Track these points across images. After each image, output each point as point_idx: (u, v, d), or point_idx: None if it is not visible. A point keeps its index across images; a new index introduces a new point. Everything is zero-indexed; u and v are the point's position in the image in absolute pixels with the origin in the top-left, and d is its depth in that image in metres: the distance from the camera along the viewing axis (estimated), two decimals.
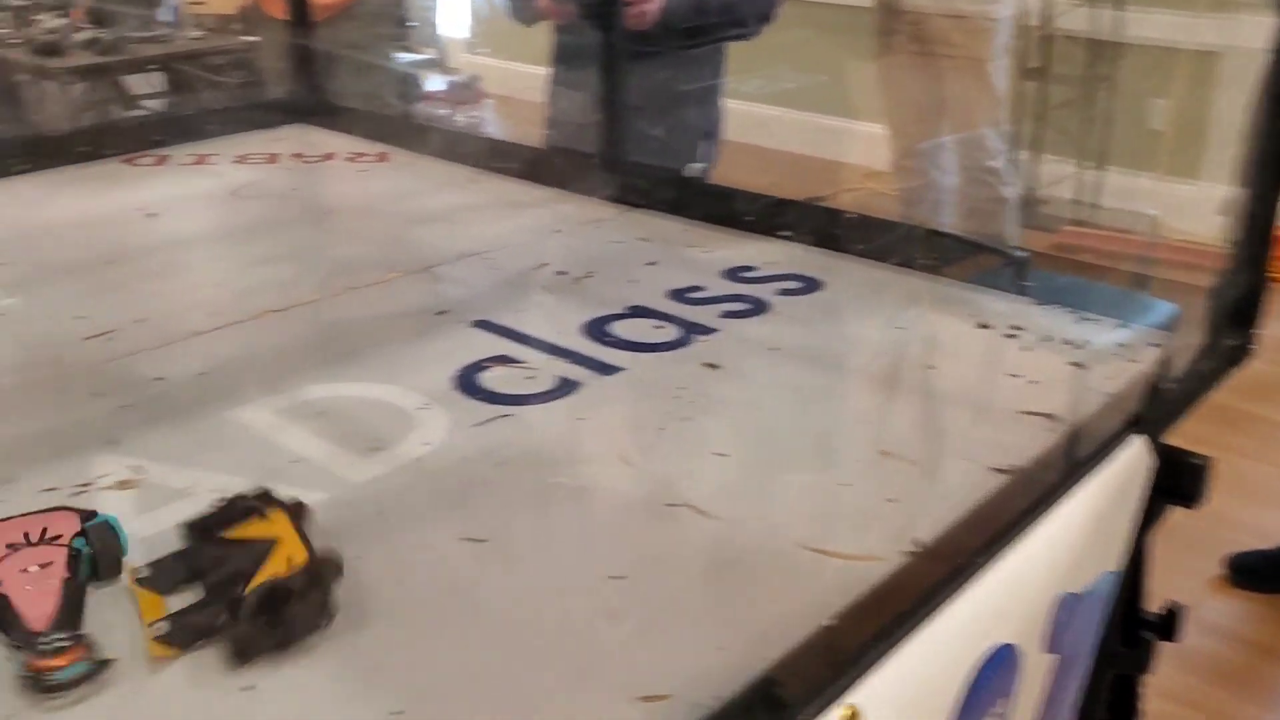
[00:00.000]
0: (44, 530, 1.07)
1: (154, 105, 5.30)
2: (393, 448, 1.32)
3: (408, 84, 4.65)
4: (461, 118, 5.98)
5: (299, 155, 2.50)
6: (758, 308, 1.72)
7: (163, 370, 1.50)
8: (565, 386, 1.47)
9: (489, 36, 7.17)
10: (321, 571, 1.01)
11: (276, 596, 0.98)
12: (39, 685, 0.91)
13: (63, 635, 0.94)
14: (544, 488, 1.25)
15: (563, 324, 1.65)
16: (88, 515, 1.09)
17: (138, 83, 5.31)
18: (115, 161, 2.44)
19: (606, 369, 1.52)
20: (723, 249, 1.96)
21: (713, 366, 1.53)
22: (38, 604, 0.97)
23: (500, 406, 1.42)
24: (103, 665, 0.93)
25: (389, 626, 1.02)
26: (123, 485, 1.23)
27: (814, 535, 1.17)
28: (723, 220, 2.07)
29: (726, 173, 2.80)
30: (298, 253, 1.97)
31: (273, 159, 2.46)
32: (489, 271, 1.88)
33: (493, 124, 6.26)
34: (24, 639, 0.94)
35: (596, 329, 1.64)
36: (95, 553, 1.05)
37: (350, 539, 1.14)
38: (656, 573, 1.11)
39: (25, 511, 1.09)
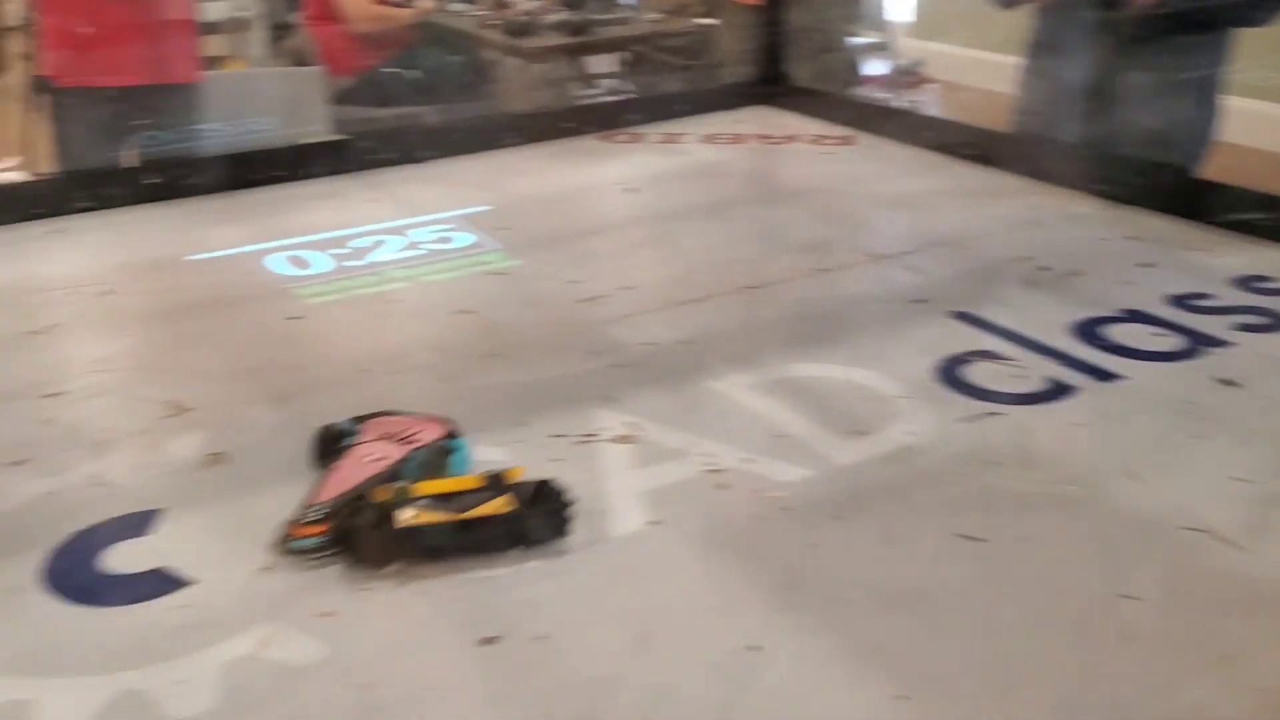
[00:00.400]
0: (412, 433, 1.25)
1: (609, 85, 5.60)
2: (876, 433, 1.32)
3: (853, 67, 4.66)
4: (903, 102, 5.90)
5: (763, 136, 2.56)
6: (1278, 323, 1.58)
7: (650, 336, 1.58)
8: (1059, 390, 1.41)
9: (935, 21, 7.04)
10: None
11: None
12: (282, 544, 1.12)
13: (322, 512, 1.13)
14: (1044, 494, 1.21)
15: (1049, 322, 1.59)
16: (451, 434, 1.26)
17: (595, 63, 5.63)
18: (593, 138, 2.59)
19: (1104, 375, 1.44)
20: (1230, 255, 1.81)
21: (1229, 383, 1.41)
22: (336, 487, 1.16)
23: (987, 404, 1.38)
24: (330, 552, 1.10)
25: (886, 612, 1.02)
26: (621, 440, 1.31)
27: None
28: (1228, 224, 1.91)
29: (1220, 175, 2.58)
30: (767, 232, 2.01)
31: (738, 139, 2.53)
32: (964, 261, 1.84)
33: (934, 110, 6.14)
34: (301, 508, 1.14)
35: (1088, 331, 1.56)
36: (427, 464, 1.21)
37: (841, 519, 1.15)
38: (1174, 598, 1.04)
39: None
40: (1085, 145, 2.22)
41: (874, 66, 6.08)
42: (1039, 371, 1.45)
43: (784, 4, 2.89)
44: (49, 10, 3.23)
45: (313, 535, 1.11)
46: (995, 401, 1.38)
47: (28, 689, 0.95)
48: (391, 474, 1.18)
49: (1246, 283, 1.70)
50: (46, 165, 3.36)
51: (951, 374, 1.45)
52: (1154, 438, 1.30)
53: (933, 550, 1.11)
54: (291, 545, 1.12)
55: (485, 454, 1.29)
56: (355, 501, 1.13)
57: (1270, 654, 0.97)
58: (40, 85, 3.34)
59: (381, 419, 1.28)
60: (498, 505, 1.11)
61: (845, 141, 2.50)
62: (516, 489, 1.12)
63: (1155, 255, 1.81)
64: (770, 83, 2.86)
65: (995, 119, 2.81)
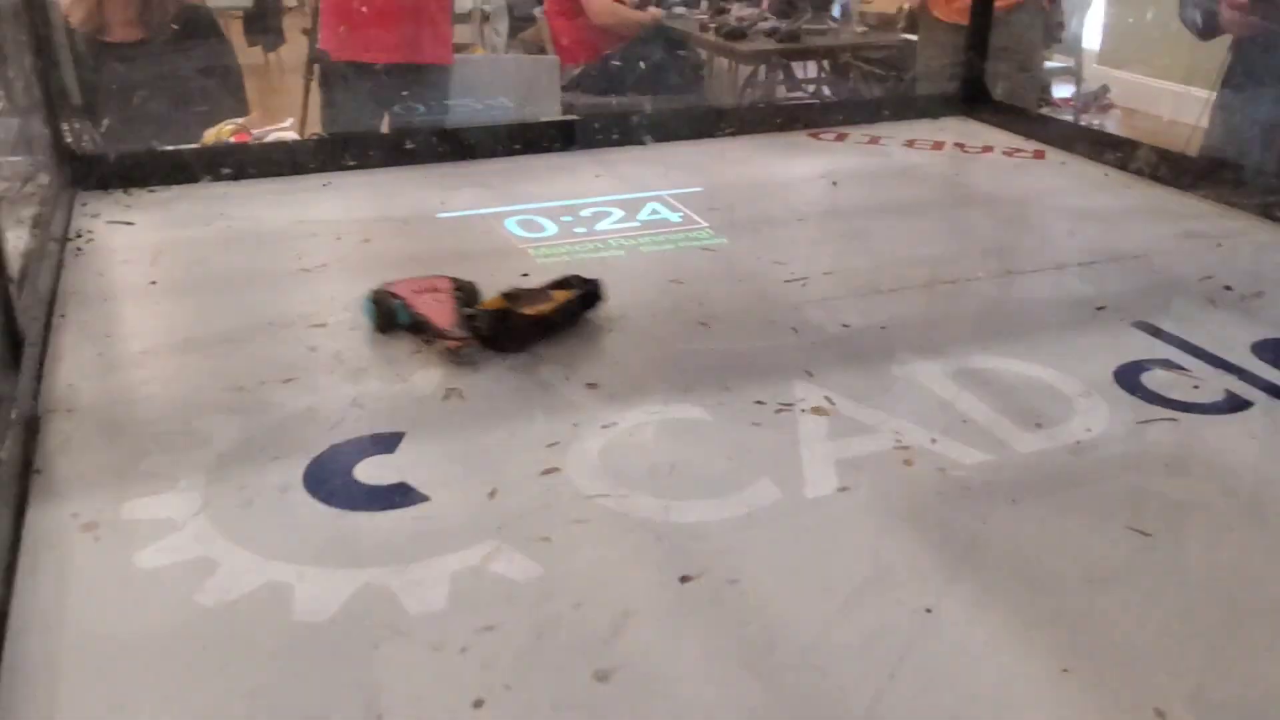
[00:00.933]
0: (434, 285, 1.56)
1: (811, 89, 5.55)
2: (1054, 427, 1.27)
3: (1045, 88, 4.49)
4: (1091, 123, 5.68)
5: (960, 145, 2.49)
6: None
7: (849, 318, 1.56)
8: (1235, 402, 1.33)
9: (1122, 50, 6.71)
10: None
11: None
12: (455, 355, 1.41)
13: (459, 331, 1.43)
14: (1212, 497, 1.15)
15: (1230, 339, 1.50)
16: (457, 280, 1.56)
17: (799, 68, 5.58)
18: (803, 134, 2.56)
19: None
20: None
21: None
22: (444, 318, 1.46)
23: (1164, 409, 1.31)
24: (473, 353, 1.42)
25: (1053, 592, 0.99)
26: (817, 411, 1.29)
27: None
28: None
29: None
30: (961, 233, 1.96)
31: (937, 146, 2.47)
32: (1148, 275, 1.75)
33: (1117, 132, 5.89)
34: (439, 332, 1.44)
35: (1270, 351, 1.46)
36: (465, 295, 1.52)
37: (1016, 502, 1.12)
38: None
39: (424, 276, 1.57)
40: (1275, 174, 2.07)
41: (1063, 89, 5.87)
42: (1217, 384, 1.37)
43: (986, 24, 2.79)
44: None
45: (469, 344, 1.42)
46: (1171, 408, 1.31)
47: (289, 574, 1.01)
48: (463, 301, 1.51)
49: None
50: (317, 127, 3.51)
51: (1130, 379, 1.38)
52: None
53: (1100, 539, 1.07)
54: (463, 354, 1.41)
55: (686, 413, 1.30)
56: (475, 316, 1.46)
57: None
58: (316, 58, 3.50)
59: (398, 283, 1.56)
60: (562, 295, 1.51)
61: (1037, 155, 2.41)
62: (563, 284, 1.55)
63: None
64: (969, 96, 2.78)
65: (1177, 144, 2.67)
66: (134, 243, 1.85)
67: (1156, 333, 1.52)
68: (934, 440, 1.23)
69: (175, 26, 2.95)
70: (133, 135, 2.60)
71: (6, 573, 0.98)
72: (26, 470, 1.14)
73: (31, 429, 1.22)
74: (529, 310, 1.46)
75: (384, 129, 3.31)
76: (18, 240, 1.61)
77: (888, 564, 1.02)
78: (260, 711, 0.85)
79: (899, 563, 1.02)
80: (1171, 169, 2.24)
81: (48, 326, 1.49)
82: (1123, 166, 2.32)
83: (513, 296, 1.49)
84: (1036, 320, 1.58)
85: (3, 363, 1.25)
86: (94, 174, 2.09)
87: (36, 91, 2.00)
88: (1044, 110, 4.30)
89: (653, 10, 4.93)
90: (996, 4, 3.01)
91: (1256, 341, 1.49)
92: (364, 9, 3.32)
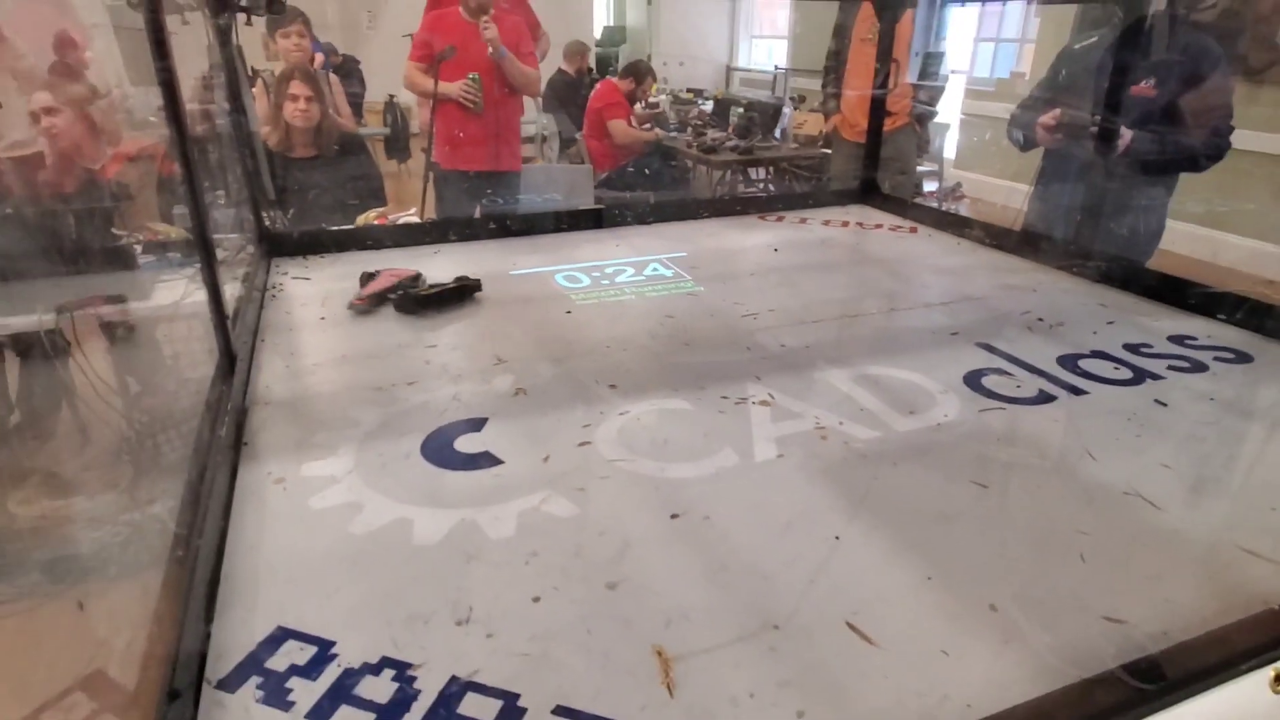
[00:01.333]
0: (400, 273, 1.77)
1: (760, 186, 5.52)
2: (923, 413, 1.26)
3: (918, 185, 4.47)
4: (950, 208, 5.64)
5: (860, 223, 2.46)
6: (1197, 367, 1.43)
7: (785, 341, 1.54)
8: (1044, 397, 1.32)
9: (969, 158, 6.67)
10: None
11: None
12: (401, 304, 1.66)
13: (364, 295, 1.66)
14: (1028, 460, 1.13)
15: (1042, 354, 1.48)
16: (415, 274, 1.78)
17: (753, 172, 5.56)
18: (753, 217, 2.55)
19: (1076, 391, 1.34)
20: (1168, 320, 1.65)
21: (1161, 404, 1.29)
22: (378, 286, 1.69)
23: (996, 402, 1.30)
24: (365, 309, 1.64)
25: (922, 524, 0.98)
26: (763, 403, 1.29)
27: (1246, 540, 0.95)
28: (1168, 300, 1.74)
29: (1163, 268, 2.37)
30: (861, 282, 1.94)
31: (845, 224, 2.44)
32: (986, 310, 1.73)
33: (968, 214, 5.85)
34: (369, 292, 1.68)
35: (1068, 362, 1.45)
36: (409, 281, 1.75)
37: (897, 465, 1.11)
38: (1112, 534, 0.97)
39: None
40: (1072, 241, 2.06)
41: (929, 185, 5.83)
42: (1032, 385, 1.36)
43: (878, 142, 2.78)
44: (440, 120, 3.36)
45: (364, 304, 1.67)
46: (1002, 401, 1.30)
47: (410, 513, 1.01)
48: (407, 284, 1.74)
49: (1179, 339, 1.55)
50: (431, 214, 3.50)
51: (975, 381, 1.37)
52: (1107, 434, 1.20)
53: (953, 489, 1.06)
54: (356, 309, 1.66)
55: (676, 405, 1.30)
56: (402, 287, 1.72)
57: (1176, 578, 0.88)
58: (431, 166, 3.50)
59: (384, 272, 1.77)
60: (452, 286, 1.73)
61: (912, 230, 2.38)
62: (462, 281, 1.76)
63: (1116, 317, 1.67)
64: (865, 191, 2.76)
65: (1006, 222, 2.64)
66: (310, 292, 1.85)
67: (992, 350, 1.50)
68: (841, 423, 1.22)
69: (337, 148, 2.95)
70: (309, 219, 2.61)
71: (225, 512, 0.99)
72: (238, 443, 1.15)
73: (242, 416, 1.23)
74: (420, 292, 1.72)
75: (476, 214, 3.32)
76: (234, 290, 1.62)
77: (810, 507, 1.02)
78: (394, 604, 0.85)
79: (818, 506, 1.02)
80: (1002, 239, 2.23)
81: (253, 348, 1.49)
82: (970, 238, 2.29)
83: (417, 286, 1.76)
84: (912, 341, 1.56)
85: (223, 372, 1.26)
86: (283, 246, 2.10)
87: (245, 190, 2.01)
88: (917, 200, 4.28)
89: (655, 131, 4.92)
90: (885, 128, 3.00)
91: (1059, 355, 1.47)
92: (461, 134, 3.31)
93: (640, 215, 2.50)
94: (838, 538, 0.95)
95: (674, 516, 0.99)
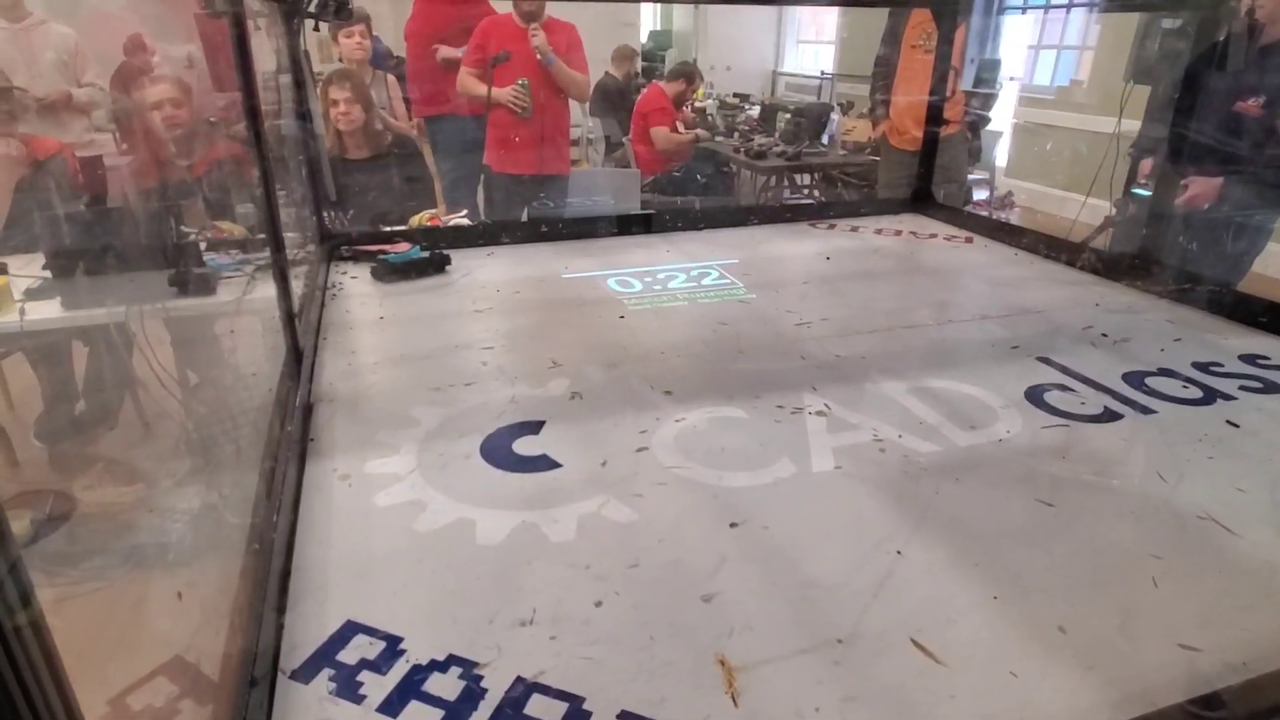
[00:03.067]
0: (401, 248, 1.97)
1: (806, 191, 5.48)
2: (984, 428, 1.24)
3: (968, 193, 4.40)
4: (1003, 218, 5.53)
5: (914, 233, 2.43)
6: (1270, 388, 1.39)
7: (839, 351, 1.53)
8: (1110, 415, 1.29)
9: (1021, 167, 6.53)
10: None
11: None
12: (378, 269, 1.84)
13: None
14: (1095, 480, 1.11)
15: (1106, 371, 1.45)
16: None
17: (799, 178, 5.52)
18: (804, 224, 2.53)
19: (1143, 410, 1.31)
20: (1237, 339, 1.60)
21: (1233, 425, 1.26)
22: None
23: (1059, 419, 1.28)
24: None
25: (985, 540, 0.96)
26: (819, 414, 1.28)
27: None
28: (1240, 319, 1.69)
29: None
30: (915, 293, 1.92)
31: (898, 233, 2.42)
32: (1046, 324, 1.69)
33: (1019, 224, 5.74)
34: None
35: (1135, 379, 1.41)
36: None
37: (958, 480, 1.10)
38: (1186, 559, 0.94)
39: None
40: (1141, 255, 2.00)
41: (979, 193, 5.73)
42: (1097, 401, 1.33)
43: (933, 150, 2.74)
44: (492, 126, 3.40)
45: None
46: (1064, 418, 1.28)
47: (472, 513, 1.02)
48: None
49: (1251, 359, 1.50)
50: (483, 216, 3.54)
51: (1036, 396, 1.34)
52: (1177, 454, 1.17)
53: (1017, 506, 1.04)
54: (377, 271, 1.84)
55: (731, 412, 1.29)
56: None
57: (1254, 607, 0.86)
58: (482, 170, 3.53)
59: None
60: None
61: (968, 240, 2.35)
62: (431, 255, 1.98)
63: (1185, 334, 1.62)
64: (917, 199, 2.72)
65: (1059, 231, 2.58)
66: (368, 291, 1.89)
67: (1054, 365, 1.47)
68: (900, 435, 1.21)
69: (396, 150, 3.00)
70: (364, 220, 2.66)
71: (294, 506, 1.02)
72: (305, 439, 1.18)
73: (308, 412, 1.26)
74: (389, 260, 1.92)
75: (524, 218, 3.35)
76: (297, 289, 1.66)
77: (870, 519, 1.01)
78: (459, 603, 0.86)
79: (878, 518, 1.01)
80: (1060, 251, 2.18)
81: (315, 345, 1.53)
82: (1026, 248, 2.25)
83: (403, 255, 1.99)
84: (969, 354, 1.54)
85: (291, 369, 1.29)
86: (342, 245, 2.15)
87: (308, 191, 2.06)
88: (968, 208, 4.20)
89: (696, 131, 4.90)
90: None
91: (1125, 372, 1.44)
92: (517, 139, 3.35)
93: (690, 221, 2.50)
94: (899, 552, 0.94)
95: (733, 525, 0.99)
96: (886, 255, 2.20)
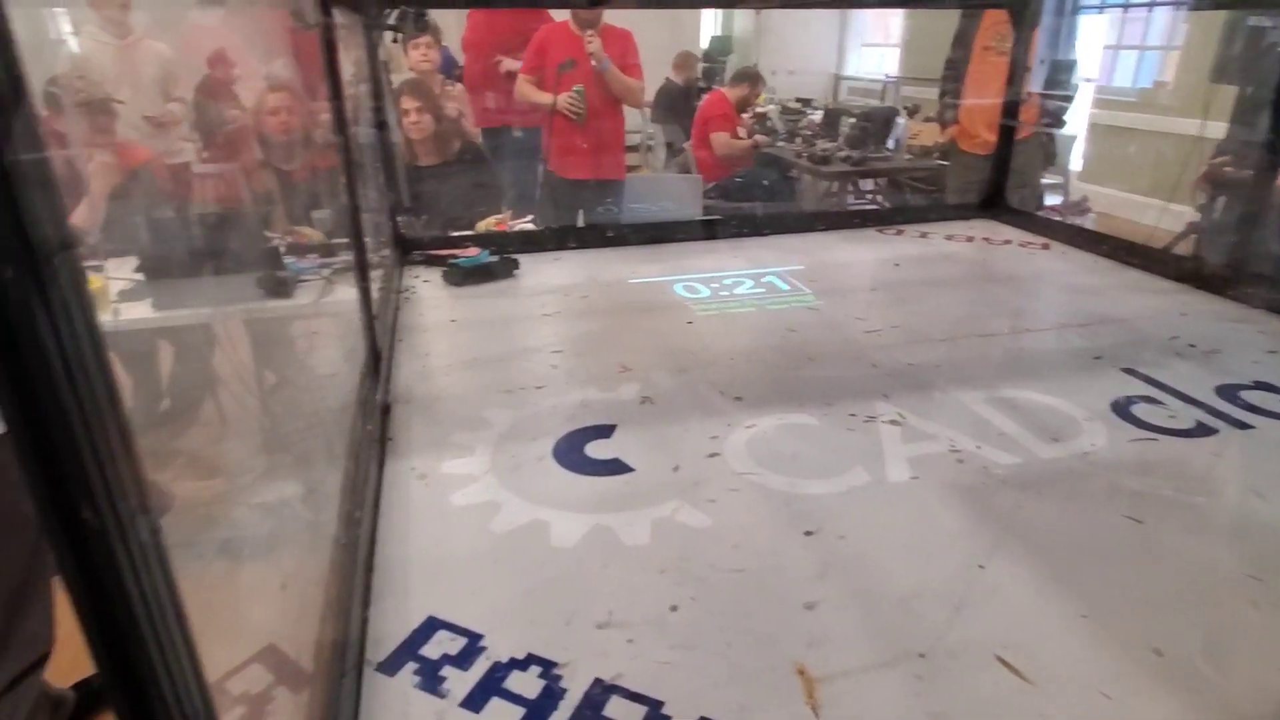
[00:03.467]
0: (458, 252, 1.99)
1: (869, 196, 5.40)
2: (1068, 441, 1.20)
3: (1039, 198, 4.25)
4: (1082, 224, 5.35)
5: (987, 239, 2.37)
6: None
7: (911, 359, 1.50)
8: (1203, 429, 1.23)
9: (1096, 170, 6.30)
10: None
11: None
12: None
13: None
14: (1188, 496, 1.06)
15: (1197, 383, 1.38)
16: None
17: (864, 184, 5.44)
18: (870, 230, 2.49)
19: (1239, 424, 1.25)
20: None
21: None
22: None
23: (1148, 432, 1.23)
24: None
25: (1070, 556, 0.93)
26: (893, 422, 1.26)
27: None
28: None
29: None
30: (989, 300, 1.87)
31: (969, 239, 2.36)
32: (1131, 334, 1.63)
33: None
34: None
35: (1228, 392, 1.35)
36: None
37: (1041, 493, 1.06)
38: None
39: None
40: (1232, 265, 1.91)
41: (1051, 198, 5.55)
42: (1188, 415, 1.27)
43: (1008, 152, 2.67)
44: (555, 134, 3.44)
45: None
46: (1153, 431, 1.23)
47: (546, 514, 1.04)
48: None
49: None
50: (547, 221, 3.57)
51: (1122, 409, 1.30)
52: (1276, 472, 1.11)
53: (1104, 522, 1.01)
54: (448, 274, 1.88)
55: (802, 420, 1.28)
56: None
57: None
58: (547, 175, 3.58)
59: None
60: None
61: (1044, 247, 2.28)
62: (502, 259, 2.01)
63: (1278, 344, 1.55)
64: (989, 204, 2.65)
65: (1140, 239, 2.48)
66: (440, 295, 1.93)
67: (1140, 376, 1.42)
68: (978, 446, 1.18)
69: (469, 157, 3.06)
70: (436, 224, 2.72)
71: (374, 504, 1.04)
72: (384, 439, 1.21)
73: (386, 412, 1.29)
74: (461, 265, 1.98)
75: (580, 223, 3.38)
76: (374, 292, 1.70)
77: (949, 531, 0.99)
78: (536, 603, 0.87)
79: (957, 531, 0.99)
80: (1143, 258, 2.10)
81: (392, 346, 1.57)
82: (1107, 255, 2.17)
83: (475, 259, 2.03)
84: (1048, 363, 1.49)
85: (371, 369, 1.33)
86: (415, 249, 2.20)
87: (384, 197, 2.12)
88: (1040, 213, 4.07)
89: (755, 138, 4.87)
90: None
91: (1218, 385, 1.37)
92: (584, 145, 3.39)
93: (755, 226, 2.49)
94: (981, 566, 0.92)
95: (808, 534, 0.98)
96: (958, 262, 2.15)
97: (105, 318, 2.20)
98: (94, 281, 2.26)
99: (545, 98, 3.37)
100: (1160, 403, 1.32)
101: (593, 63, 3.29)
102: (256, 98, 2.51)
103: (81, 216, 2.31)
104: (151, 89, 3.05)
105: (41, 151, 0.29)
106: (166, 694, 0.38)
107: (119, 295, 2.27)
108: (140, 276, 2.23)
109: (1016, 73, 2.51)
